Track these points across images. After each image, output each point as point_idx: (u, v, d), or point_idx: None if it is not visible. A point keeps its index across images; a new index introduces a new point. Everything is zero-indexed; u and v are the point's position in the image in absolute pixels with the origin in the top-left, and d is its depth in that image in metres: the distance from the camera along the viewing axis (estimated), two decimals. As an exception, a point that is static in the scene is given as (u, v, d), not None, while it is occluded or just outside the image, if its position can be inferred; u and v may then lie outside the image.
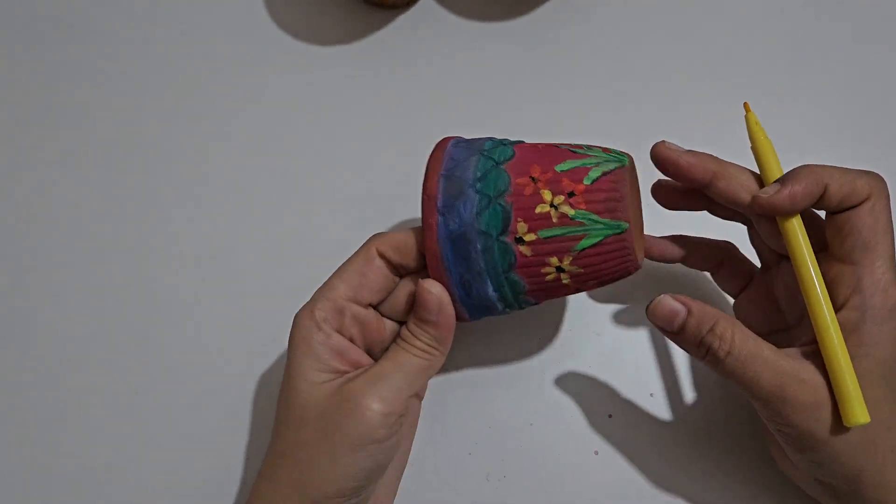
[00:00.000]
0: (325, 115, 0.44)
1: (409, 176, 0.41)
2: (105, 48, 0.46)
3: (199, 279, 0.40)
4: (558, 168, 0.29)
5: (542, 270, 0.29)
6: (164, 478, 0.36)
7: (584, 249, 0.29)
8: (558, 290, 0.30)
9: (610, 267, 0.30)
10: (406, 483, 0.35)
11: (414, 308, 0.30)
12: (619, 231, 0.29)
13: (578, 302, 0.39)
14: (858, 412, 0.27)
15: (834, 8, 0.45)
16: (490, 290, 0.30)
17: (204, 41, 0.46)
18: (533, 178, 0.29)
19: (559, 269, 0.29)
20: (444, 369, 0.37)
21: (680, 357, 0.38)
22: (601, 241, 0.29)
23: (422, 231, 0.30)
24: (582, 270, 0.29)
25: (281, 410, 0.30)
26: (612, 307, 0.39)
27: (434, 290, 0.30)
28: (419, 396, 0.35)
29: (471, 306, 0.31)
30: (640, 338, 0.38)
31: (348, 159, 0.42)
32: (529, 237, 0.29)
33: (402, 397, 0.29)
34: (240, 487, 0.36)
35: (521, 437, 0.36)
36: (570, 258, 0.29)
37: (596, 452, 0.36)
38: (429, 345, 0.30)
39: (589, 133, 0.42)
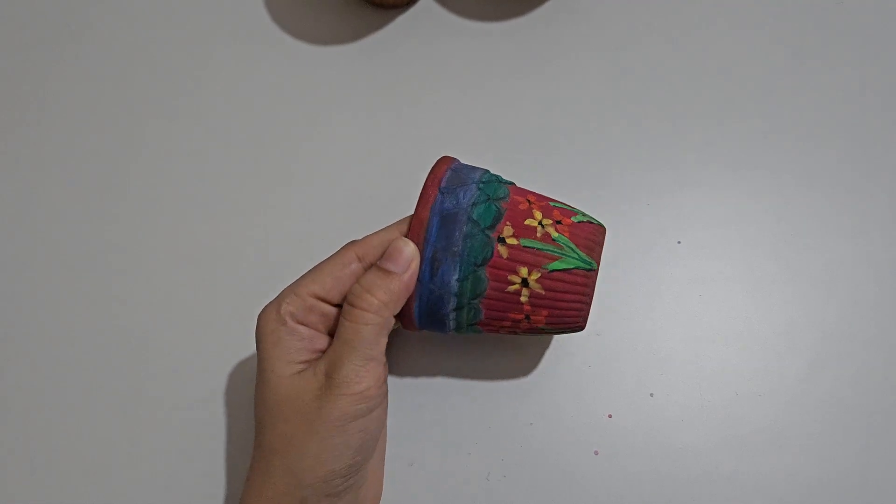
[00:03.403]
0: (324, 115, 0.44)
1: (408, 175, 0.42)
2: (105, 48, 0.46)
3: (199, 278, 0.40)
4: (552, 204, 0.32)
5: (509, 277, 0.31)
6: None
7: (554, 271, 0.31)
8: (511, 309, 0.31)
9: (567, 302, 0.31)
10: (406, 483, 0.35)
11: (380, 261, 0.30)
12: (588, 267, 0.31)
13: (578, 302, 0.39)
14: None
15: (834, 8, 0.45)
16: (454, 277, 0.30)
17: (204, 41, 0.46)
18: (529, 201, 0.32)
19: (524, 283, 0.31)
20: (444, 370, 0.37)
21: (680, 357, 0.38)
22: (572, 269, 0.31)
23: (410, 218, 0.32)
24: (543, 292, 0.31)
25: (258, 409, 0.30)
26: (613, 307, 0.39)
27: (409, 247, 0.30)
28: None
29: (424, 297, 0.31)
30: (640, 338, 0.38)
31: (348, 159, 0.42)
32: (511, 241, 0.30)
33: (369, 367, 0.29)
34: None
35: (521, 437, 0.36)
36: (539, 275, 0.31)
37: (596, 452, 0.36)
38: (381, 301, 0.29)
39: (588, 134, 0.42)
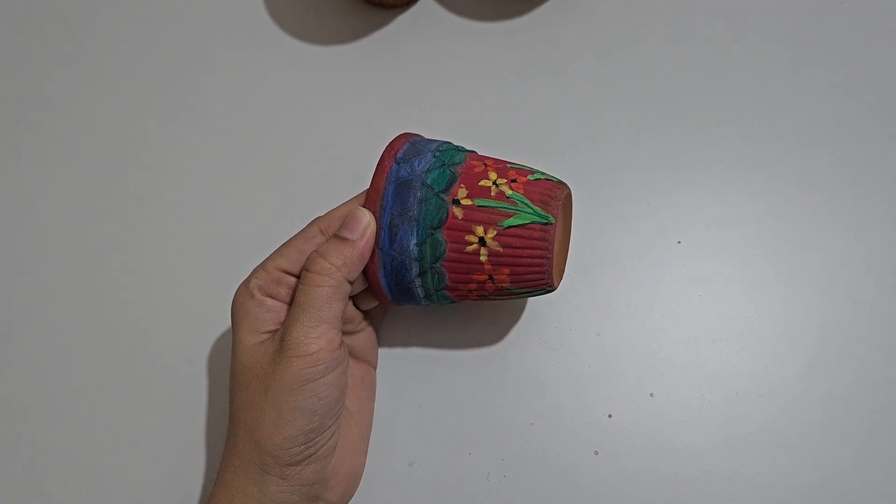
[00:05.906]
0: (324, 115, 0.44)
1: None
2: (105, 48, 0.46)
3: (199, 272, 0.40)
4: (509, 165, 0.33)
5: (466, 238, 0.31)
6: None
7: (509, 227, 0.31)
8: (473, 270, 0.31)
9: (527, 258, 0.31)
10: (406, 483, 0.35)
11: (337, 230, 0.31)
12: (545, 221, 0.31)
13: (579, 301, 0.39)
14: None
15: (834, 8, 0.46)
16: (413, 242, 0.31)
17: (204, 41, 0.46)
18: (485, 164, 0.32)
19: (481, 242, 0.31)
20: (444, 369, 0.37)
21: (680, 357, 0.38)
22: (527, 224, 0.31)
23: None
24: (501, 250, 0.31)
25: (230, 380, 0.31)
26: (613, 307, 0.39)
27: (365, 214, 0.31)
28: (372, 364, 0.36)
29: (388, 264, 0.31)
30: (640, 338, 0.38)
31: (348, 159, 0.42)
32: (466, 202, 0.31)
33: (320, 330, 0.30)
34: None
35: (521, 437, 0.36)
36: (495, 232, 0.31)
37: (596, 452, 0.36)
38: (335, 265, 0.30)
39: (587, 133, 0.42)
